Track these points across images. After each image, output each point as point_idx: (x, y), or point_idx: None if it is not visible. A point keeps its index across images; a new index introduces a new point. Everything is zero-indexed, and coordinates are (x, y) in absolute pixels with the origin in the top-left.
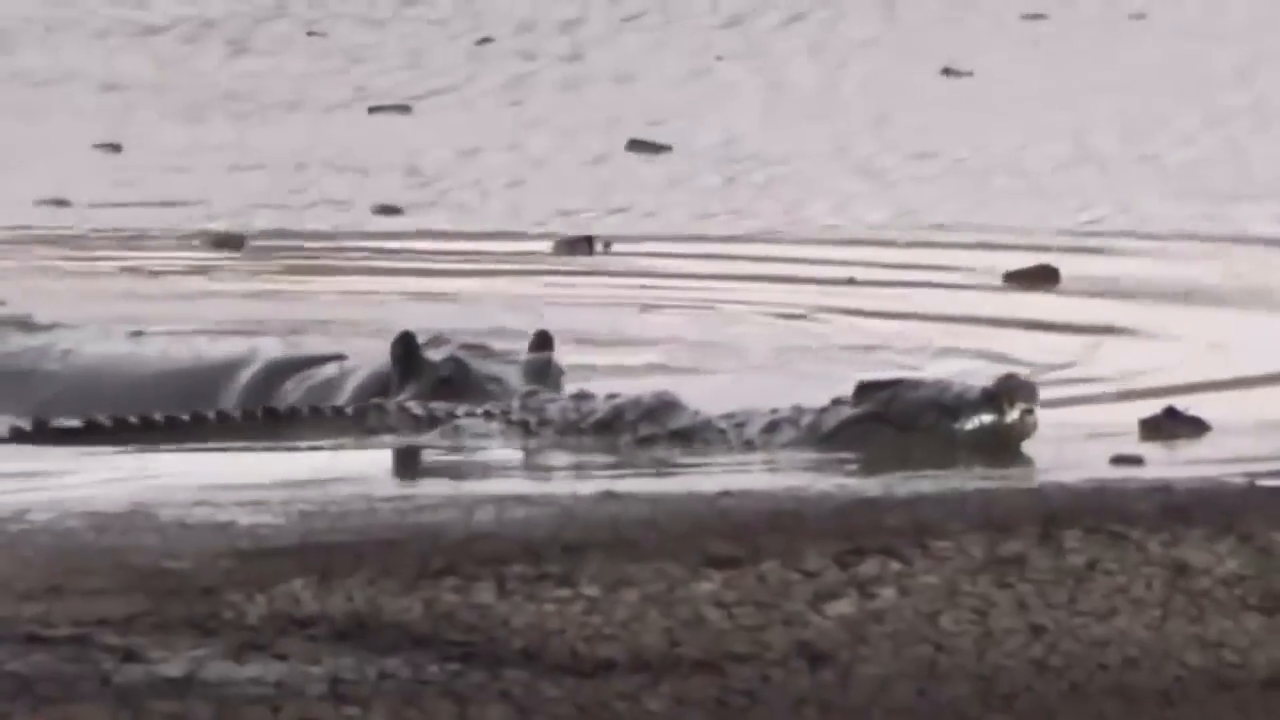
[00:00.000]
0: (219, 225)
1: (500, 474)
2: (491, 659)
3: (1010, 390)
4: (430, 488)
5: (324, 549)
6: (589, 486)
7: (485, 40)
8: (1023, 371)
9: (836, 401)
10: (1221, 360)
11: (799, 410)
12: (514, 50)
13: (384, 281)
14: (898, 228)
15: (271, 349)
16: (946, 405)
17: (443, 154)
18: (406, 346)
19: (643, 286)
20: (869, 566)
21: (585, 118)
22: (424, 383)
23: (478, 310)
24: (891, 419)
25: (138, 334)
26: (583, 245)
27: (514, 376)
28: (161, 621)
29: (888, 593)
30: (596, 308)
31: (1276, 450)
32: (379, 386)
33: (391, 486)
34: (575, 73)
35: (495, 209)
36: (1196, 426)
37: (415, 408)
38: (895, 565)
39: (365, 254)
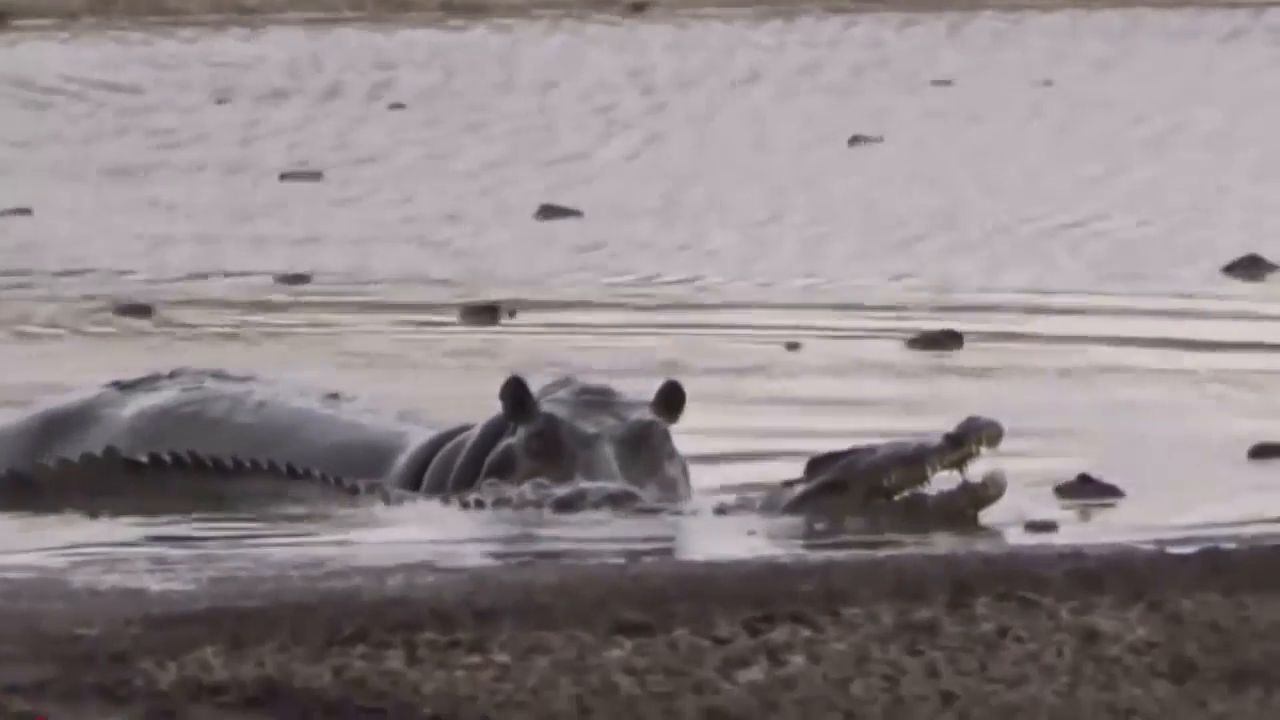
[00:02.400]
0: (125, 292)
1: (416, 544)
2: None
3: (976, 430)
4: (341, 554)
5: (234, 615)
6: (503, 554)
7: (397, 106)
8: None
9: (788, 483)
10: (1134, 426)
11: (746, 496)
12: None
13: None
14: (814, 292)
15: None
16: (909, 457)
17: (354, 219)
18: (515, 392)
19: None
20: (779, 633)
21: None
22: (527, 433)
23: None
24: (854, 483)
25: (334, 396)
26: (487, 314)
27: (609, 441)
28: (71, 688)
29: (798, 659)
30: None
31: (1188, 517)
32: (492, 444)
33: (302, 553)
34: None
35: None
36: (1110, 493)
37: (396, 491)
38: (806, 632)
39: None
